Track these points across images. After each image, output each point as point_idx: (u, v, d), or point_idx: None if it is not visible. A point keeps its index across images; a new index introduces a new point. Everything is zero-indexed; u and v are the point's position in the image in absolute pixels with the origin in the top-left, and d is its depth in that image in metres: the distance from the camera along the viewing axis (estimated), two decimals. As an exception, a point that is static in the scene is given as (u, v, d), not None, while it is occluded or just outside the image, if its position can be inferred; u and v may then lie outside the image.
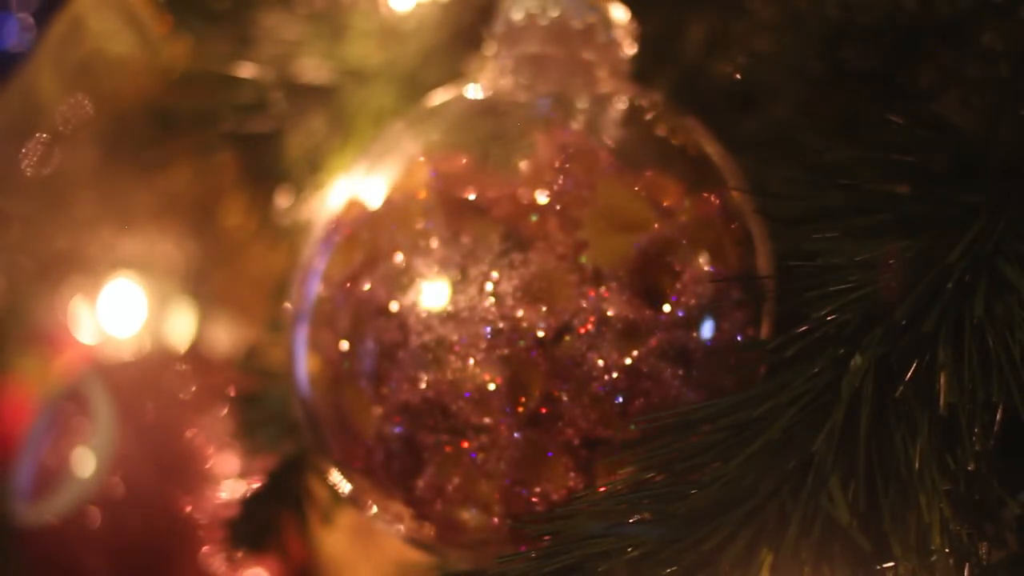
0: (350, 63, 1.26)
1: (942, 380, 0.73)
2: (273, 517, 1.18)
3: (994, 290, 0.76)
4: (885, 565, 0.73)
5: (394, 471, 0.85)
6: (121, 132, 1.56)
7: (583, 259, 0.82)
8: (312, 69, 1.26)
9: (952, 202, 0.82)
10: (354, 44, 1.25)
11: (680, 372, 0.81)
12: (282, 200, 1.27)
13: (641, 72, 1.01)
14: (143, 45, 1.47)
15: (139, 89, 1.52)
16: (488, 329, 0.82)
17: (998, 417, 0.74)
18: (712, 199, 0.86)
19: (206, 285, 1.72)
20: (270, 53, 1.26)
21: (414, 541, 0.90)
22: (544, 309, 0.81)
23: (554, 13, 0.94)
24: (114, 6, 1.50)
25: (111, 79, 1.56)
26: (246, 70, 1.24)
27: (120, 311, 1.77)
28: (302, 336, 0.92)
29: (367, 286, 0.86)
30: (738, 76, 1.04)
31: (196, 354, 1.68)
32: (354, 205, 0.92)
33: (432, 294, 0.83)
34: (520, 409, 0.81)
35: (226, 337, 1.70)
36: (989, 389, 0.73)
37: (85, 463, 1.45)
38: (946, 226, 0.80)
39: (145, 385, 1.55)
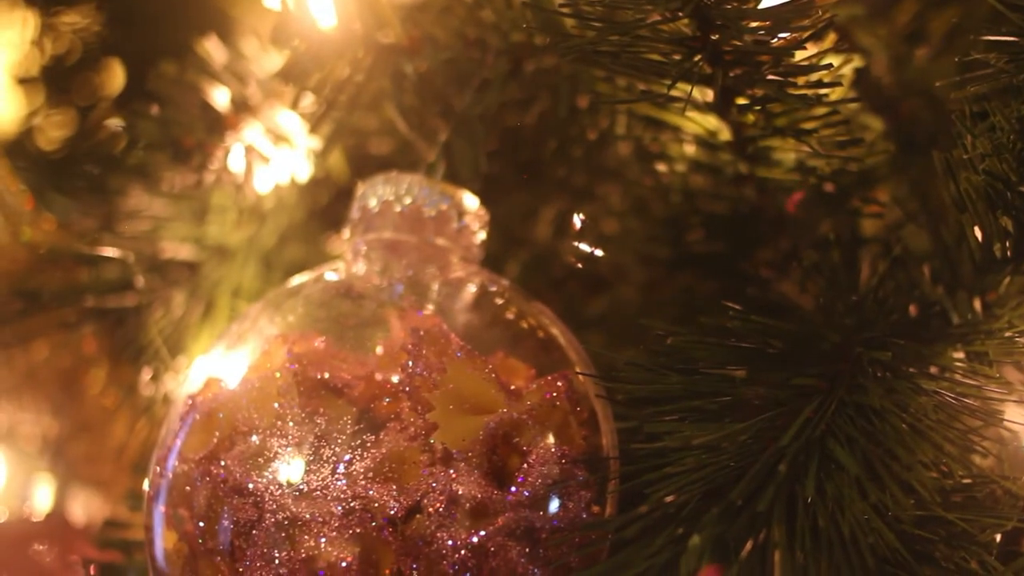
0: (211, 240, 1.28)
1: (776, 558, 0.74)
2: None
3: (825, 470, 0.79)
4: None
5: (249, 648, 0.85)
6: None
7: (433, 440, 0.84)
8: (175, 246, 1.27)
9: (786, 385, 0.85)
10: (215, 222, 1.27)
11: (527, 550, 0.83)
12: (144, 374, 1.28)
13: (492, 256, 1.04)
14: (8, 221, 1.47)
15: (3, 265, 1.52)
16: (341, 508, 0.83)
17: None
18: (559, 382, 0.88)
19: (66, 457, 1.70)
20: (134, 230, 1.28)
21: None
22: (395, 488, 0.83)
23: (408, 200, 0.97)
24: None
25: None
26: (110, 248, 1.25)
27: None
28: (159, 512, 0.92)
29: (223, 464, 0.87)
30: (580, 265, 1.07)
31: (55, 525, 1.66)
32: (212, 384, 0.93)
33: (287, 473, 0.85)
34: (372, 587, 0.82)
35: (85, 509, 1.68)
36: (821, 566, 0.75)
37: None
38: (780, 408, 0.83)
39: (3, 554, 1.52)
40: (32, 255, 1.40)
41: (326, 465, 0.84)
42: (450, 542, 0.82)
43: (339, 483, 0.83)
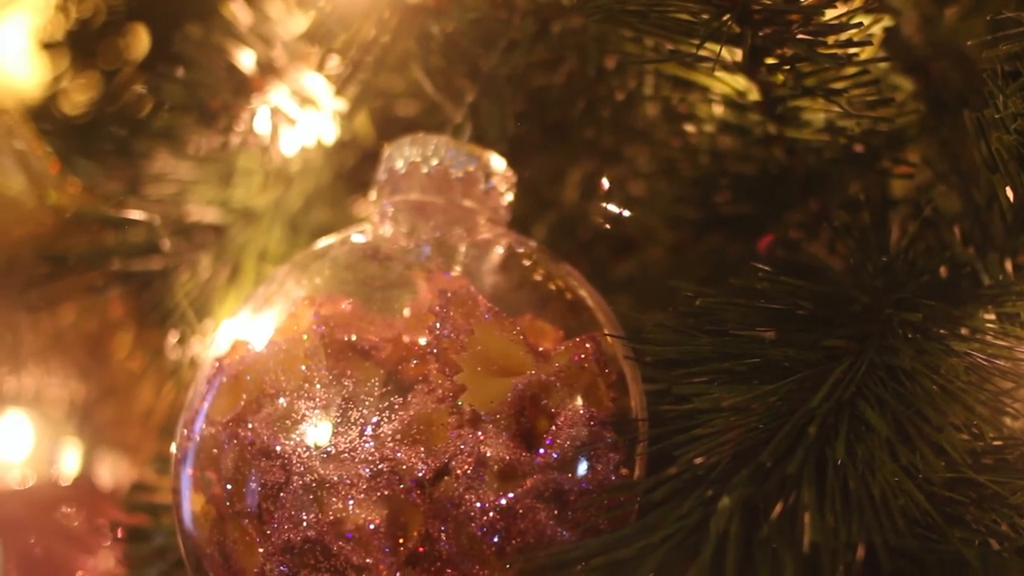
0: (237, 204, 1.28)
1: (806, 520, 0.74)
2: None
3: (855, 432, 0.79)
4: None
5: (277, 610, 0.85)
6: (11, 271, 1.56)
7: (461, 402, 0.84)
8: (200, 209, 1.27)
9: (815, 347, 0.85)
10: (241, 185, 1.27)
11: (555, 512, 0.83)
12: (170, 338, 1.28)
13: (520, 218, 1.04)
14: (34, 185, 1.48)
15: (30, 229, 1.53)
16: (368, 470, 0.83)
17: (859, 556, 0.75)
18: (587, 344, 0.87)
19: (94, 421, 1.71)
20: (160, 193, 1.28)
21: None
22: (423, 451, 0.83)
23: (435, 162, 0.97)
24: (4, 146, 1.51)
25: (2, 218, 1.56)
26: (136, 211, 1.26)
27: (8, 444, 1.75)
28: (187, 475, 0.92)
29: (251, 427, 0.87)
30: (608, 226, 1.06)
31: (83, 489, 1.66)
32: (239, 346, 0.93)
33: (314, 436, 0.85)
34: (400, 549, 0.82)
35: (113, 473, 1.69)
36: (851, 528, 0.74)
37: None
38: (810, 370, 0.83)
39: (31, 518, 1.53)
40: (58, 219, 1.41)
41: (354, 427, 0.84)
42: (478, 504, 0.81)
43: (367, 445, 0.83)
